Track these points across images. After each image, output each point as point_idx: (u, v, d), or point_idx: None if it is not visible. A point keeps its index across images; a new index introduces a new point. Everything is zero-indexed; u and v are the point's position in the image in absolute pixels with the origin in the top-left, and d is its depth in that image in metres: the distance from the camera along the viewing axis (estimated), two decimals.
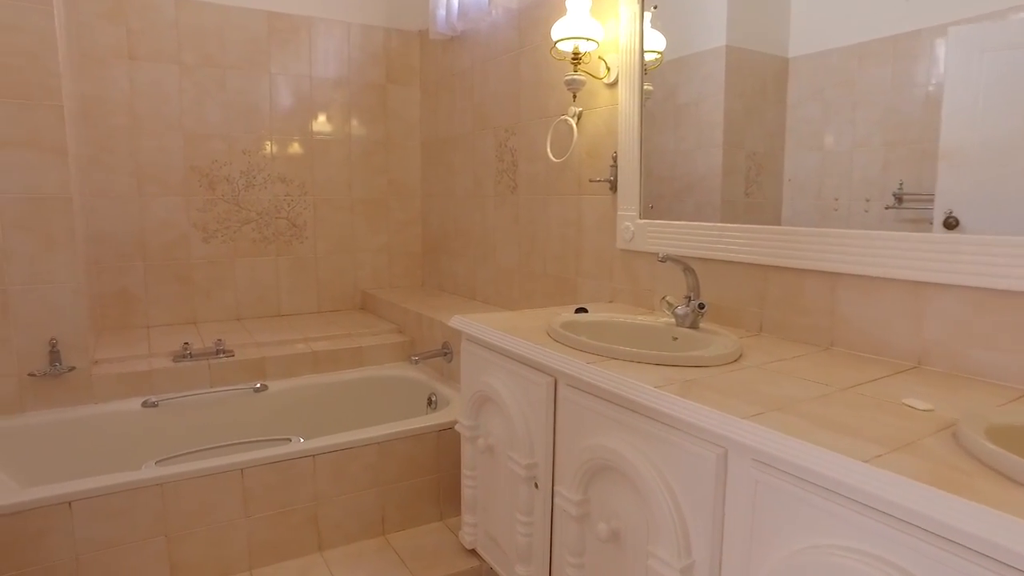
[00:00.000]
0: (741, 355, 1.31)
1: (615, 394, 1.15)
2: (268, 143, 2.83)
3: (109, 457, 1.96)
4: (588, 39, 1.84)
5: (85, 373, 2.01)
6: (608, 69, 1.91)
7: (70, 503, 1.48)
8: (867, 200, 1.34)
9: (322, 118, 2.95)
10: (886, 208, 1.30)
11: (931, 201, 1.21)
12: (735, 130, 1.71)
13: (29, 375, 1.93)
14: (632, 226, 1.87)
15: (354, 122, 3.03)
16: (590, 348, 1.33)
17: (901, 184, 1.28)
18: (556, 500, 1.31)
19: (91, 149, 2.46)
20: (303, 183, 2.94)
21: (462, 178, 2.84)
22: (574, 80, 1.88)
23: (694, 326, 1.50)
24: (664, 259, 1.48)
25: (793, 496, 0.86)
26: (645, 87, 1.84)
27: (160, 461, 1.79)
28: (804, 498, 0.84)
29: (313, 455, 1.74)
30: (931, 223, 1.20)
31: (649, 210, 1.86)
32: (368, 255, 3.15)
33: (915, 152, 1.25)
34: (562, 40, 1.85)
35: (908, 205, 1.27)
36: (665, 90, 1.82)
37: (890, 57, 1.29)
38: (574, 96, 1.95)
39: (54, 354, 1.95)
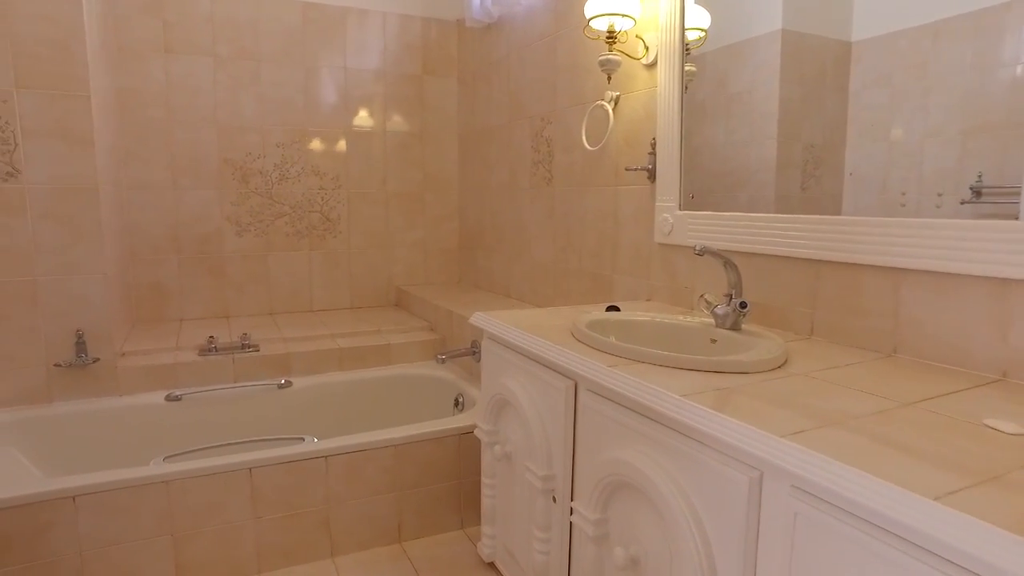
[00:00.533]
0: (786, 361, 1.15)
1: (636, 402, 1.01)
2: (302, 136, 2.79)
3: (130, 450, 1.94)
4: (624, 15, 1.70)
5: (110, 365, 2.00)
6: (646, 48, 1.76)
7: (74, 498, 1.44)
8: (939, 195, 1.16)
9: (357, 110, 2.89)
10: (961, 203, 1.12)
11: (1016, 194, 1.03)
12: (791, 120, 1.56)
13: (55, 365, 1.92)
14: (671, 218, 1.72)
15: (390, 114, 2.96)
16: (614, 350, 1.19)
17: (980, 176, 1.11)
18: (573, 518, 1.18)
19: (127, 142, 2.47)
20: (337, 176, 2.89)
21: (498, 171, 2.73)
22: (609, 60, 1.74)
23: (735, 327, 1.35)
24: (701, 252, 1.32)
25: (840, 535, 0.70)
26: (687, 67, 1.69)
27: (168, 457, 1.75)
28: (854, 538, 0.69)
29: (326, 456, 1.66)
30: (1017, 219, 1.01)
31: (690, 200, 1.70)
32: (402, 250, 3.08)
33: (998, 141, 1.08)
34: (596, 17, 1.71)
35: (988, 199, 1.10)
36: (715, 79, 1.67)
37: (970, 35, 1.12)
38: (609, 78, 1.81)
39: (80, 345, 1.94)
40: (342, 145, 2.88)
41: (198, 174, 2.61)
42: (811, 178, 1.51)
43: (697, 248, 1.33)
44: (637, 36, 1.77)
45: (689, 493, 0.92)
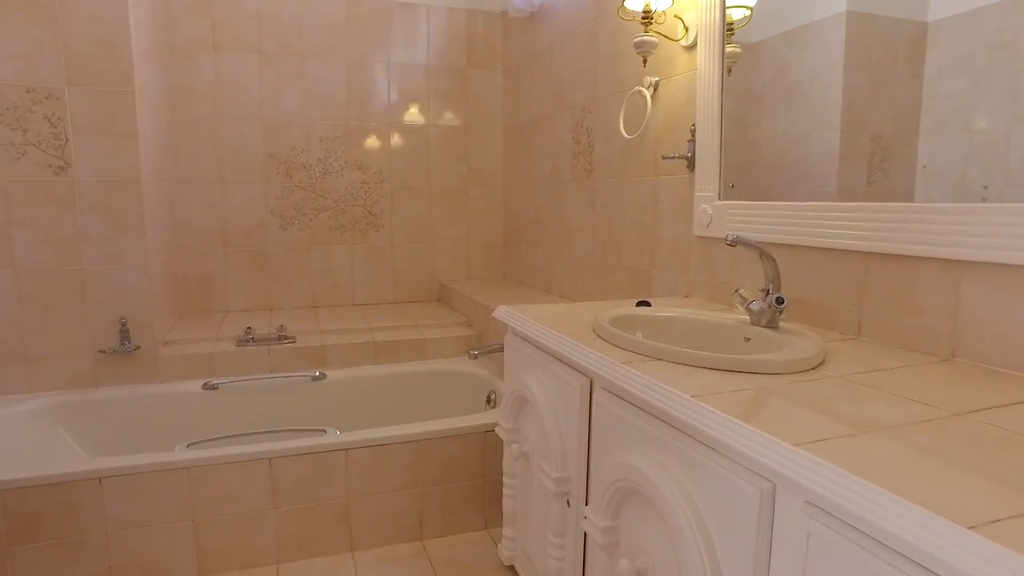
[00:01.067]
0: (823, 362, 1.04)
1: (646, 402, 0.93)
2: (345, 130, 2.80)
3: (167, 435, 1.98)
4: None
5: (151, 353, 2.05)
6: (686, 29, 1.66)
7: (100, 479, 1.47)
8: None
9: (400, 104, 2.89)
10: None
11: None
12: (856, 109, 1.43)
13: (100, 352, 1.99)
14: (710, 208, 1.61)
15: (433, 108, 2.95)
16: (632, 346, 1.11)
17: None
18: (584, 524, 1.10)
19: (178, 138, 2.55)
20: (380, 171, 2.90)
21: (540, 164, 2.67)
22: (644, 42, 1.65)
23: (771, 325, 1.23)
24: (733, 242, 1.22)
25: (856, 561, 0.61)
26: (731, 48, 1.58)
27: (192, 444, 1.78)
28: (871, 567, 0.59)
29: (346, 449, 1.64)
30: None
31: (730, 190, 1.59)
32: (446, 245, 3.06)
33: None
34: None
35: None
36: (775, 67, 1.55)
37: None
38: (644, 61, 1.71)
39: (123, 333, 2.01)
40: (385, 139, 2.88)
41: (244, 169, 2.66)
42: (878, 171, 1.38)
43: (729, 238, 1.22)
44: (676, 16, 1.67)
45: (698, 504, 0.83)
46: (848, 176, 1.43)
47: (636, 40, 1.66)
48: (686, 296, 1.75)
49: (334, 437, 1.65)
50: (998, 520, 0.53)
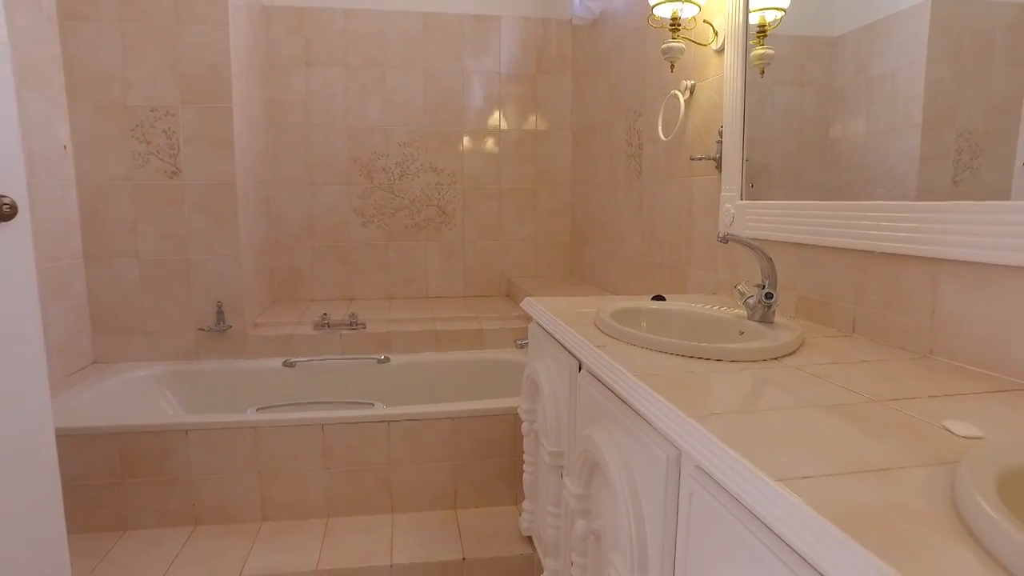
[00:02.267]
0: (793, 353, 1.09)
1: (603, 379, 1.04)
2: (421, 135, 3.04)
3: (249, 403, 2.29)
4: (689, 1, 1.67)
5: (242, 332, 2.38)
6: (715, 34, 1.71)
7: (186, 432, 1.77)
8: None
9: (473, 110, 3.08)
10: None
11: None
12: (941, 105, 1.40)
13: (200, 330, 2.34)
14: (732, 208, 1.66)
15: (504, 113, 3.12)
16: (618, 334, 1.21)
17: None
18: (563, 492, 1.22)
19: (274, 145, 2.89)
20: (453, 172, 3.11)
21: (600, 165, 2.77)
22: (670, 48, 1.72)
23: (765, 320, 1.29)
24: (724, 240, 1.28)
25: (716, 514, 0.69)
26: (764, 50, 1.61)
27: (261, 408, 2.05)
28: (722, 517, 0.68)
29: (388, 421, 1.84)
30: None
31: (750, 189, 1.62)
32: (515, 243, 3.22)
33: None
34: (659, 4, 1.70)
35: None
36: (856, 62, 1.55)
37: None
38: (672, 66, 1.78)
39: (219, 314, 2.34)
40: (459, 143, 3.09)
41: (330, 172, 2.97)
42: (966, 170, 1.36)
43: (720, 236, 1.29)
44: (705, 21, 1.72)
45: (633, 470, 0.93)
46: (930, 176, 1.41)
47: (664, 47, 1.73)
48: (713, 293, 1.79)
49: (378, 410, 1.86)
50: (808, 477, 0.60)
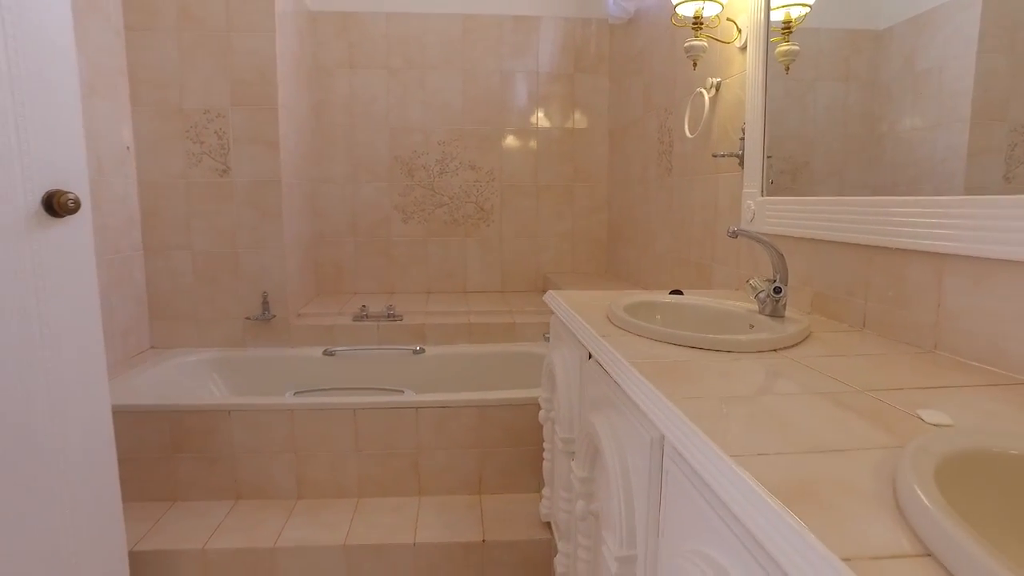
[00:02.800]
0: (795, 345, 1.11)
1: (606, 367, 1.08)
2: (460, 134, 3.13)
3: (290, 388, 2.42)
4: (712, 0, 1.69)
5: (285, 322, 2.51)
6: (738, 31, 1.72)
7: (229, 412, 1.90)
8: None
9: (511, 109, 3.15)
10: None
11: None
12: (992, 98, 1.39)
13: (246, 318, 2.49)
14: (753, 204, 1.67)
15: (541, 112, 3.17)
16: (625, 325, 1.25)
17: None
18: (570, 476, 1.27)
19: (319, 144, 3.03)
20: (491, 170, 3.18)
21: (634, 163, 2.79)
22: (692, 47, 1.74)
23: (775, 314, 1.31)
24: (734, 234, 1.31)
25: (684, 489, 0.74)
26: (789, 47, 1.62)
27: (298, 392, 2.17)
28: (688, 491, 0.72)
29: (416, 407, 1.93)
30: None
31: (770, 186, 1.63)
32: (552, 240, 3.27)
33: None
34: (681, 3, 1.72)
35: None
36: (902, 56, 1.53)
37: None
38: (694, 64, 1.80)
39: (265, 304, 2.48)
40: (497, 142, 3.16)
41: (372, 170, 3.09)
42: (1020, 165, 1.36)
43: (730, 231, 1.31)
44: (728, 19, 1.73)
45: (626, 453, 0.98)
46: (978, 172, 1.39)
47: (686, 45, 1.76)
48: (736, 289, 1.81)
49: (408, 397, 1.95)
50: (764, 455, 0.64)
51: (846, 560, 0.46)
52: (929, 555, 0.47)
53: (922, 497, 0.49)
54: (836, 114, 1.64)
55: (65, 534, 1.36)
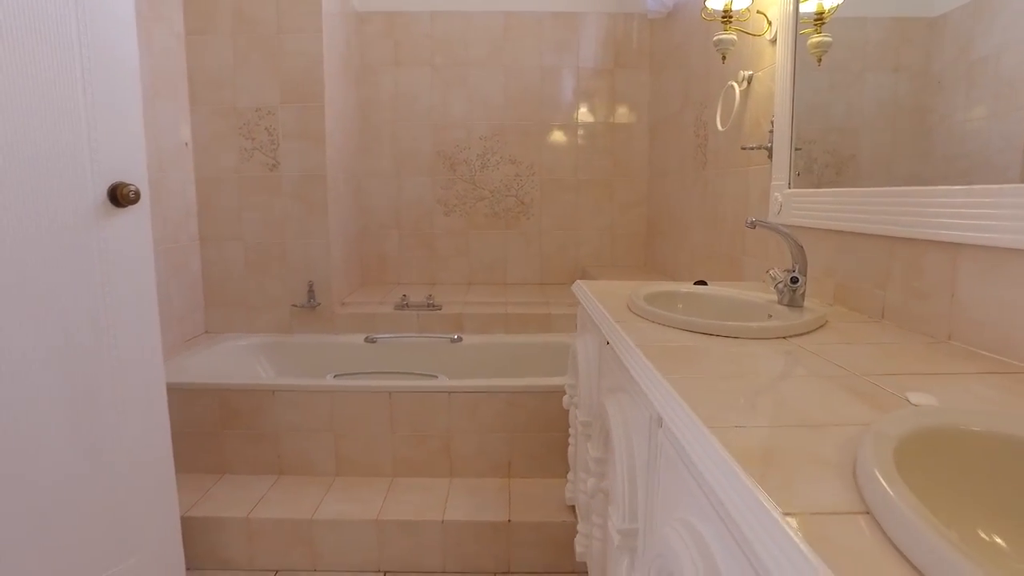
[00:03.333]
0: (807, 333, 1.13)
1: (616, 351, 1.13)
2: (501, 129, 3.19)
3: (332, 371, 2.54)
4: None
5: (330, 310, 2.64)
6: (768, 24, 1.72)
7: (273, 391, 2.03)
8: None
9: (551, 104, 3.19)
10: None
11: None
12: None
13: (293, 306, 2.62)
14: (780, 197, 1.67)
15: (582, 107, 3.20)
16: (643, 312, 1.28)
17: None
18: (585, 457, 1.32)
19: (365, 140, 3.15)
20: (531, 164, 3.24)
21: (672, 157, 2.80)
22: (721, 40, 1.75)
23: (793, 304, 1.32)
24: (752, 225, 1.33)
25: (672, 462, 0.78)
26: (821, 38, 1.61)
27: (337, 375, 2.28)
28: (674, 462, 0.76)
29: (448, 392, 2.00)
30: None
31: (797, 178, 1.63)
32: (591, 233, 3.30)
33: None
34: None
35: None
36: (957, 44, 1.50)
37: None
38: (723, 58, 1.80)
39: (310, 293, 2.61)
40: (537, 137, 3.21)
41: (416, 164, 3.19)
42: None
43: (748, 222, 1.33)
44: (759, 12, 1.74)
45: (631, 432, 1.02)
46: None
47: (715, 38, 1.77)
48: (763, 281, 1.81)
49: (440, 382, 2.03)
50: (741, 427, 0.68)
51: (787, 515, 0.49)
52: (868, 512, 0.50)
53: (869, 459, 0.53)
54: (884, 106, 1.62)
55: (125, 498, 1.49)
